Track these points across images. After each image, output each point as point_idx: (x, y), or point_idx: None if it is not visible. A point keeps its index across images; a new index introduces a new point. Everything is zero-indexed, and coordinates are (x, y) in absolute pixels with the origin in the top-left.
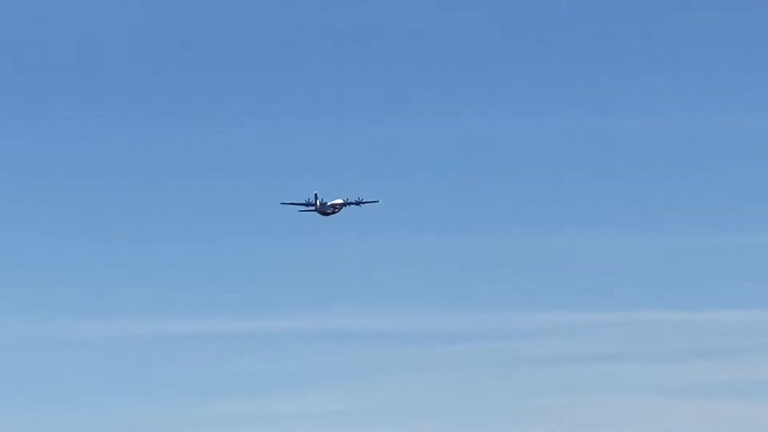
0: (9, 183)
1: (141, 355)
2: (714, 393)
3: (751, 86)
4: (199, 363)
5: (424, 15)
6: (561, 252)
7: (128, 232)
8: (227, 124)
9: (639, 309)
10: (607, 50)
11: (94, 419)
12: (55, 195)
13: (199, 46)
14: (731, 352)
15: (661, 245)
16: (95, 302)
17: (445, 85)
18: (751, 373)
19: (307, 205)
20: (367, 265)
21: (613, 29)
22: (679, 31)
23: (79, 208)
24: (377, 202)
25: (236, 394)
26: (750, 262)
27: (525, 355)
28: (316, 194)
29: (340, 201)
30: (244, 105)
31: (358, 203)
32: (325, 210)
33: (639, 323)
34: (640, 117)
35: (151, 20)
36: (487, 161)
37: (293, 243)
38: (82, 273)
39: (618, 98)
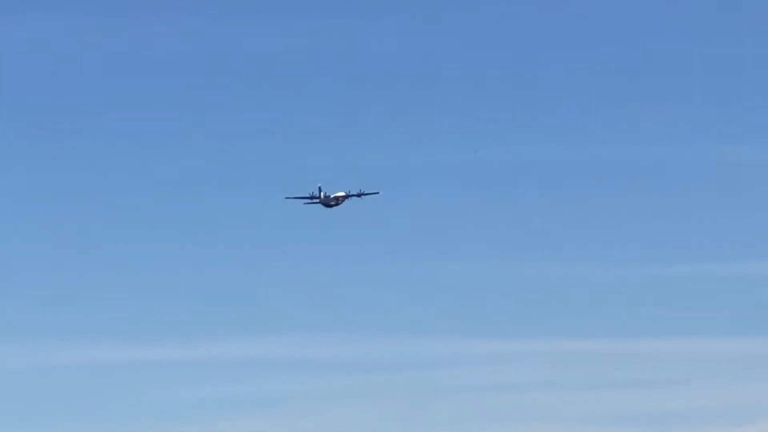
0: None
1: (84, 381)
2: (639, 422)
3: (656, 116)
4: (144, 389)
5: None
6: (486, 280)
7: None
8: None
9: (564, 337)
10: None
11: None
12: None
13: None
14: (657, 382)
15: (586, 274)
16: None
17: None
18: (678, 402)
19: (311, 198)
20: (286, 294)
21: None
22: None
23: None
24: (377, 193)
25: (183, 420)
26: (677, 292)
27: (450, 383)
28: (319, 187)
29: (342, 194)
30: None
31: (359, 195)
32: (329, 202)
33: (564, 352)
34: (558, 144)
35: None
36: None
37: (231, 269)
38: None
39: (523, 127)
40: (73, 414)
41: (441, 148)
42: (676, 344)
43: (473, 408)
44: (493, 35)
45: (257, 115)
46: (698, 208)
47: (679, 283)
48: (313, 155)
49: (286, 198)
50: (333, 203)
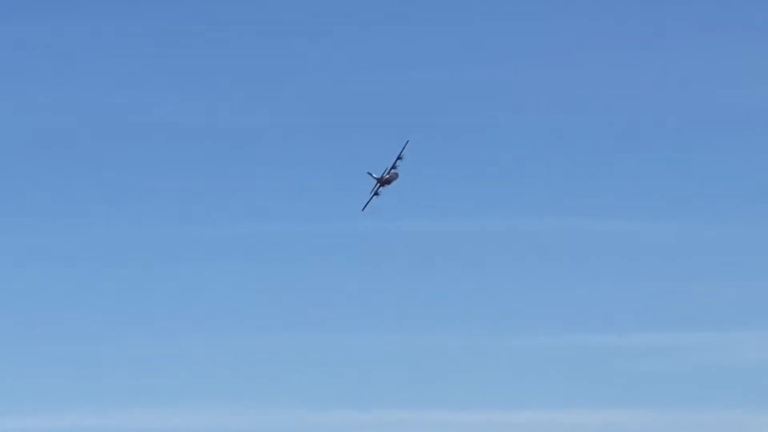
0: None
1: None
2: None
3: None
4: None
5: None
6: (366, 351)
7: None
8: None
9: (427, 408)
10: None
11: None
12: None
13: None
14: None
15: (459, 344)
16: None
17: None
18: None
19: (379, 180)
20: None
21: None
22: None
23: None
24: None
25: None
26: (554, 362)
27: None
28: (369, 173)
29: (395, 171)
30: None
31: (399, 158)
32: (390, 179)
33: (449, 423)
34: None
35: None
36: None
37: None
38: None
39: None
40: None
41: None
42: (555, 416)
43: None
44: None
45: None
46: (588, 279)
47: (556, 354)
48: None
49: (368, 173)
50: (387, 181)
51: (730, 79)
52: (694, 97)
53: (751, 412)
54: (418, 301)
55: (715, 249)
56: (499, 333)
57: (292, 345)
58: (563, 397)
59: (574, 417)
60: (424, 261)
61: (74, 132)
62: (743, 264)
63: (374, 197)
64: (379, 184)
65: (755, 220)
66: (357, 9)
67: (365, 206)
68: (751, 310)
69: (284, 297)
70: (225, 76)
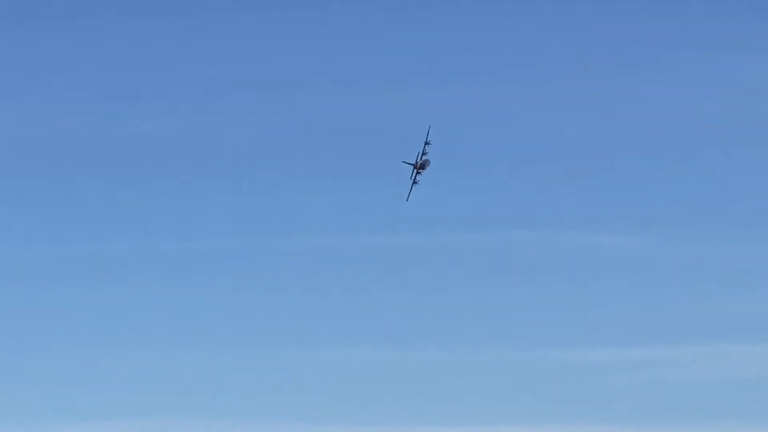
0: None
1: None
2: None
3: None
4: None
5: None
6: (321, 366)
7: None
8: None
9: (401, 425)
10: None
11: None
12: None
13: None
14: None
15: (428, 360)
16: None
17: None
18: None
19: (414, 166)
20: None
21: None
22: None
23: None
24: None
25: None
26: (524, 377)
27: None
28: (405, 161)
29: (426, 158)
30: None
31: (427, 143)
32: (422, 165)
33: None
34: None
35: None
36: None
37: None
38: None
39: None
40: None
41: None
42: (516, 430)
43: None
44: None
45: None
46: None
47: (526, 369)
48: None
49: (403, 162)
50: (422, 167)
51: (710, 92)
52: (669, 113)
53: (711, 427)
54: (378, 319)
55: (681, 266)
56: (463, 349)
57: (265, 361)
58: (521, 412)
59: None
60: (384, 278)
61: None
62: (707, 281)
63: (414, 186)
64: (416, 171)
65: (722, 237)
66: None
67: (408, 196)
68: (715, 326)
69: (259, 314)
70: (217, 88)
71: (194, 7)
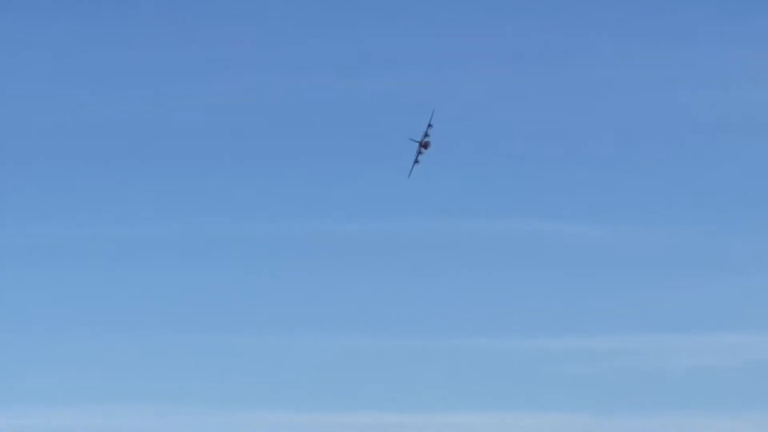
0: None
1: None
2: None
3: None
4: None
5: None
6: (283, 352)
7: None
8: None
9: (360, 410)
10: None
11: None
12: None
13: None
14: None
15: (387, 347)
16: None
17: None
18: None
19: (420, 143)
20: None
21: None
22: None
23: None
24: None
25: None
26: (481, 364)
27: None
28: (412, 138)
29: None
30: None
31: (429, 125)
32: (426, 144)
33: (376, 425)
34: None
35: None
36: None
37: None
38: None
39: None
40: None
41: None
42: (478, 418)
43: None
44: None
45: None
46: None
47: (483, 356)
48: None
49: (410, 139)
50: (425, 146)
51: (682, 82)
52: (643, 101)
53: (679, 416)
54: (351, 305)
55: (650, 255)
56: (424, 335)
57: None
58: (487, 399)
59: (498, 419)
60: (358, 265)
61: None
62: (677, 269)
63: (416, 165)
64: (420, 150)
65: (688, 225)
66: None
67: (410, 173)
68: (685, 315)
69: (251, 299)
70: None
71: None
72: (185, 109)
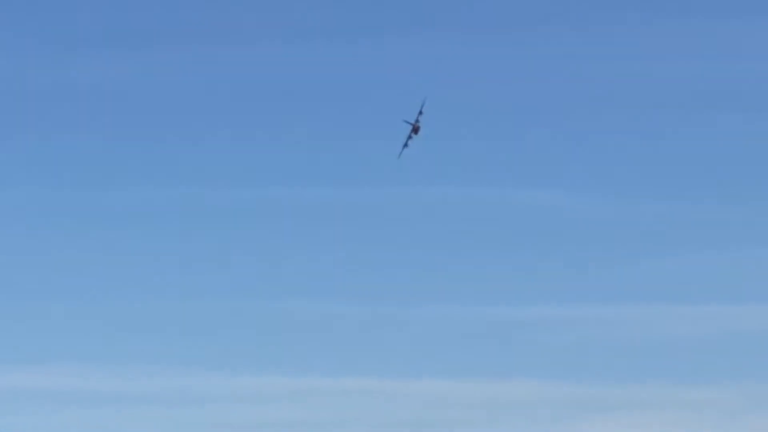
0: None
1: None
2: None
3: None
4: None
5: None
6: (265, 316)
7: None
8: None
9: (336, 375)
10: None
11: None
12: None
13: None
14: (434, 424)
15: (364, 313)
16: None
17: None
18: None
19: (412, 126)
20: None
21: None
22: None
23: None
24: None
25: None
26: (456, 332)
27: (236, 419)
28: (406, 120)
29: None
30: None
31: (420, 113)
32: (417, 129)
33: (337, 390)
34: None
35: None
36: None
37: None
38: None
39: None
40: None
41: None
42: (463, 386)
43: None
44: None
45: None
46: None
47: (458, 324)
48: None
49: (404, 121)
50: (416, 130)
51: (663, 53)
52: (624, 71)
53: (656, 386)
54: (330, 272)
55: (622, 225)
56: (401, 303)
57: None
58: (461, 367)
59: (474, 387)
60: (337, 233)
61: None
62: (646, 238)
63: (405, 148)
64: (411, 133)
65: (665, 195)
66: None
67: (399, 155)
68: (655, 285)
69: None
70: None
71: None
72: (173, 73)
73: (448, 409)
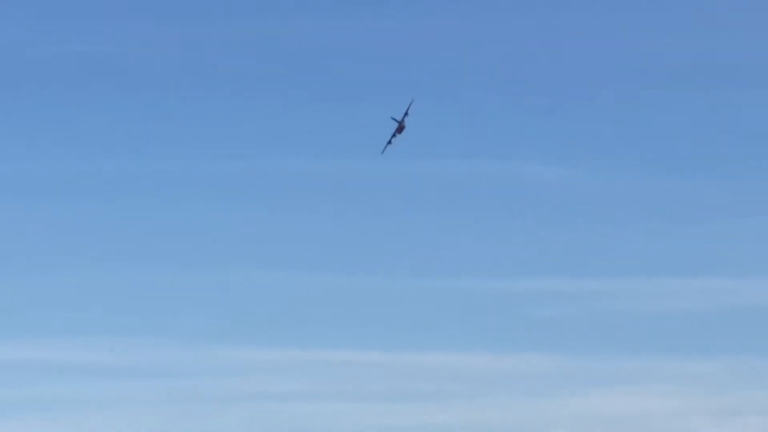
0: None
1: None
2: None
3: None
4: None
5: None
6: (259, 289)
7: None
8: None
9: (336, 348)
10: None
11: None
12: None
13: None
14: (433, 395)
15: (363, 286)
16: None
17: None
18: (454, 417)
19: (399, 123)
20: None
21: None
22: None
23: None
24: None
25: None
26: (455, 305)
27: (224, 391)
28: (393, 117)
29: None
30: None
31: (407, 112)
32: (401, 128)
33: (337, 362)
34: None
35: None
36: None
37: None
38: None
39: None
40: None
41: None
42: (459, 358)
43: (263, 416)
44: None
45: None
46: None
47: (457, 297)
48: None
49: (392, 118)
50: (400, 129)
51: (644, 27)
52: (609, 47)
53: (653, 359)
54: (311, 244)
55: (620, 198)
56: (401, 276)
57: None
58: (459, 340)
59: (475, 360)
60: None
61: None
62: (642, 212)
63: (388, 145)
64: (396, 132)
65: (664, 169)
66: None
67: (383, 150)
68: (653, 259)
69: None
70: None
71: None
72: (170, 46)
73: (448, 381)
